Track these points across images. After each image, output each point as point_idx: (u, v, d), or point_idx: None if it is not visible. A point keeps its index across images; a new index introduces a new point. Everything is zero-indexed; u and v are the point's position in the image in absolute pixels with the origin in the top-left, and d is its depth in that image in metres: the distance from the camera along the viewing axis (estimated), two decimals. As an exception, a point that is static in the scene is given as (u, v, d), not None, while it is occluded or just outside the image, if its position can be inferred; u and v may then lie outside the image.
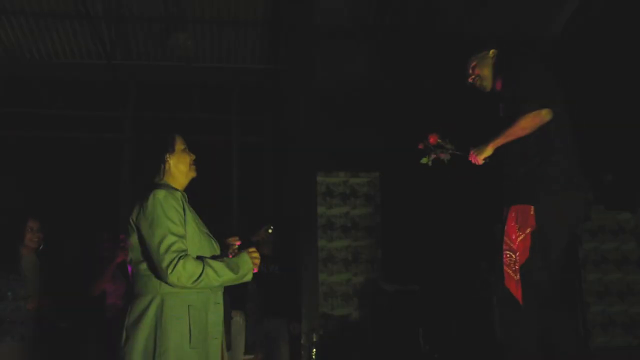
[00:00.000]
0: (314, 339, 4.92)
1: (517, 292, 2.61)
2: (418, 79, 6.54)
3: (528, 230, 2.64)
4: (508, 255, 2.64)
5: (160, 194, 2.40)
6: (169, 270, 2.25)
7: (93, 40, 6.77)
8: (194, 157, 2.71)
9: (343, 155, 6.61)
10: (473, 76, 3.45)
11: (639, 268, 6.58)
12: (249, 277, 2.46)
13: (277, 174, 7.23)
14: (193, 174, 2.69)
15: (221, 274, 2.35)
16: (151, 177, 2.57)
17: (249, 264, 2.45)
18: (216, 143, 7.48)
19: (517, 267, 2.61)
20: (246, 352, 4.98)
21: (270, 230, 5.25)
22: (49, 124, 7.14)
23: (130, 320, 2.34)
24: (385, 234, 6.77)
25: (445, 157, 3.17)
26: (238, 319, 4.88)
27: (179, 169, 2.61)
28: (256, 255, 2.50)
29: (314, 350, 4.89)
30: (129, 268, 2.47)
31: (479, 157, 3.08)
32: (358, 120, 6.67)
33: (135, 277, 2.41)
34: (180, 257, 2.28)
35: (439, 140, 3.20)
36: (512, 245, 2.63)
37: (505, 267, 2.64)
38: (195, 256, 2.37)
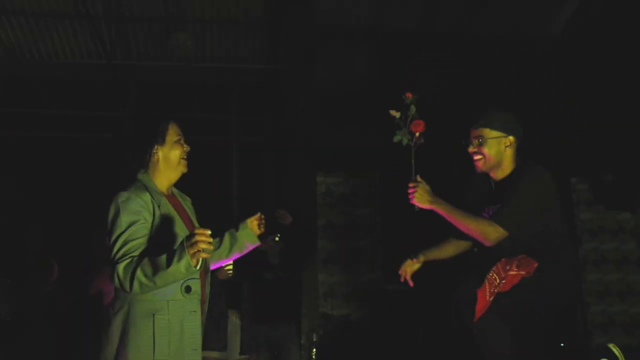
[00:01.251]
0: (314, 339, 4.92)
1: (480, 309, 2.53)
2: (418, 79, 6.54)
3: (523, 273, 2.55)
4: (493, 276, 2.57)
5: (122, 196, 2.23)
6: (113, 277, 2.10)
7: (93, 40, 6.77)
8: (187, 148, 2.43)
9: (343, 155, 6.61)
10: (475, 150, 2.78)
11: (639, 268, 6.58)
12: (190, 270, 2.05)
13: (277, 174, 7.22)
14: (183, 169, 2.41)
15: (155, 269, 2.05)
16: (132, 167, 2.35)
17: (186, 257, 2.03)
18: (216, 143, 7.48)
19: (495, 290, 2.54)
20: (242, 353, 4.96)
21: (277, 239, 5.08)
22: (49, 124, 7.14)
23: (102, 328, 2.21)
24: (385, 234, 6.76)
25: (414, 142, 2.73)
26: (234, 319, 4.86)
27: (168, 162, 2.36)
28: (199, 239, 2.01)
29: (314, 350, 4.89)
30: None
31: (416, 200, 2.67)
32: (358, 120, 6.66)
33: (112, 286, 2.26)
34: (120, 261, 2.10)
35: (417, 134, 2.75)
36: (501, 272, 2.57)
37: (486, 282, 2.56)
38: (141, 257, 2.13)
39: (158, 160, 2.35)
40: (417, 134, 2.75)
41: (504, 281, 2.52)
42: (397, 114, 2.79)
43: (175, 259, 2.02)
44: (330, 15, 6.49)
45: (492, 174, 2.85)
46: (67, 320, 4.36)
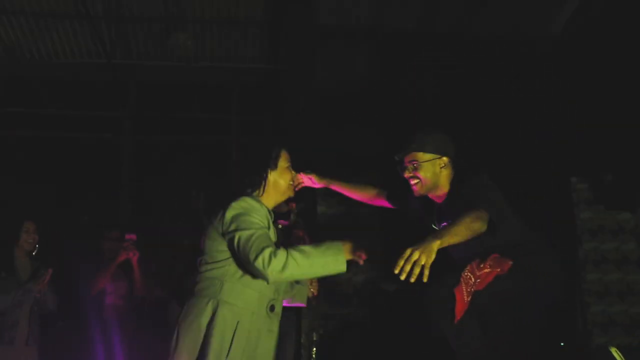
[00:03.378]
0: (314, 339, 4.93)
1: (460, 310, 2.52)
2: (418, 79, 6.54)
3: (497, 270, 2.54)
4: (468, 276, 2.57)
5: (248, 201, 2.34)
6: (257, 260, 2.17)
7: (93, 40, 6.78)
8: (295, 175, 2.60)
9: (343, 155, 6.61)
10: (411, 175, 2.76)
11: (639, 268, 6.57)
12: (342, 267, 2.28)
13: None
14: (290, 194, 2.56)
15: (309, 256, 2.21)
16: (244, 187, 2.45)
17: (341, 250, 2.28)
18: (216, 143, 7.49)
19: (471, 290, 2.53)
20: None
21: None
22: (49, 124, 7.14)
23: (184, 317, 2.30)
24: (385, 234, 6.76)
25: None
26: None
27: (277, 186, 2.50)
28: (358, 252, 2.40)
29: (314, 349, 4.89)
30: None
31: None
32: (358, 120, 6.66)
33: (199, 278, 2.36)
34: (266, 247, 2.19)
35: None
36: (476, 271, 2.56)
37: (462, 282, 2.55)
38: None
39: (268, 183, 2.48)
40: None
41: (478, 280, 2.52)
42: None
43: (331, 251, 2.25)
44: (330, 15, 6.49)
45: (431, 196, 2.86)
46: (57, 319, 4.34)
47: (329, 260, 2.27)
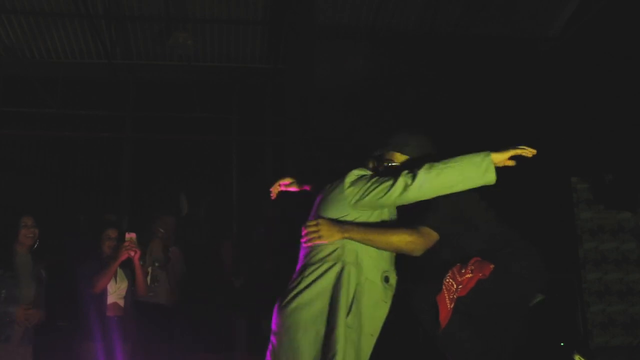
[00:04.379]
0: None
1: (444, 318, 2.51)
2: (418, 79, 6.55)
3: (479, 275, 2.53)
4: (450, 282, 2.55)
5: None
6: (393, 190, 2.38)
7: (93, 39, 6.78)
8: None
9: (343, 155, 6.61)
10: (384, 171, 2.71)
11: (639, 268, 6.58)
12: (489, 176, 2.34)
13: (276, 174, 7.22)
14: None
15: (444, 164, 2.35)
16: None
17: (487, 155, 2.36)
18: (216, 143, 7.49)
19: (454, 296, 2.52)
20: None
21: None
22: (49, 123, 7.14)
23: (305, 282, 2.43)
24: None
25: None
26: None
27: None
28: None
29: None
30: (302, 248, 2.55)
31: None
32: (358, 120, 6.66)
33: (314, 248, 2.48)
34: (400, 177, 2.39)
35: None
36: (457, 276, 2.54)
37: (444, 289, 2.53)
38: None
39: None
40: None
41: (460, 286, 2.50)
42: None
43: (472, 158, 2.33)
44: (330, 15, 6.50)
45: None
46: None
47: (467, 166, 2.34)
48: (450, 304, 2.51)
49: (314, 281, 2.42)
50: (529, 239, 2.71)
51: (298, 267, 2.56)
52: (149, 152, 7.37)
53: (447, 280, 2.54)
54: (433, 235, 2.51)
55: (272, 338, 2.46)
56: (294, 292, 2.44)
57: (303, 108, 5.41)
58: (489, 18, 6.59)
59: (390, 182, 2.41)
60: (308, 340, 2.36)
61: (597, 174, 6.46)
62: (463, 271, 2.53)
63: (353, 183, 2.51)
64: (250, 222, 6.96)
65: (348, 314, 2.35)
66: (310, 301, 2.40)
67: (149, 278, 4.66)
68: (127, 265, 4.26)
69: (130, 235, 4.07)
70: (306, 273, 2.46)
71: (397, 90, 6.78)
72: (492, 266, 2.52)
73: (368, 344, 2.44)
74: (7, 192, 6.79)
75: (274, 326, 2.49)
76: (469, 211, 2.61)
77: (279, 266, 5.42)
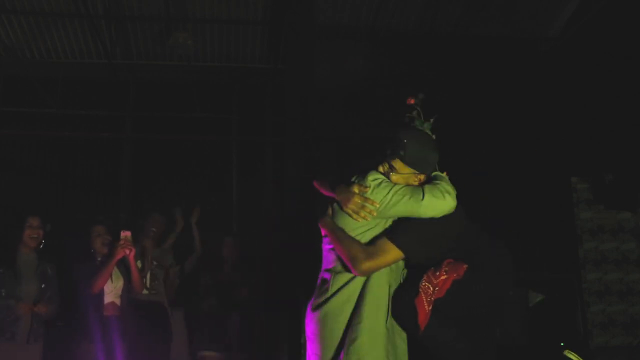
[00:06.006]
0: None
1: (423, 320, 2.58)
2: (418, 79, 6.54)
3: (454, 275, 2.60)
4: (426, 285, 2.61)
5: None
6: (428, 205, 2.52)
7: (93, 39, 6.78)
8: None
9: (343, 155, 6.61)
10: (386, 171, 2.72)
11: (639, 268, 6.58)
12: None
13: (276, 174, 7.22)
14: None
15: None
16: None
17: None
18: (216, 143, 7.49)
19: (431, 299, 2.58)
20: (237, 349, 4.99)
21: None
22: (49, 123, 7.14)
23: (331, 291, 2.59)
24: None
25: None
26: None
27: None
28: None
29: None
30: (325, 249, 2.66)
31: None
32: (358, 120, 6.67)
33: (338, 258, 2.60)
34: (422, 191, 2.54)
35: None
36: (432, 279, 2.60)
37: (421, 293, 2.59)
38: None
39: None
40: None
41: (437, 288, 2.56)
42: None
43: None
44: (330, 15, 6.50)
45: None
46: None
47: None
48: (429, 307, 2.57)
49: (340, 288, 2.57)
50: (529, 239, 2.74)
51: (323, 269, 2.70)
52: (149, 152, 7.36)
53: (424, 284, 2.60)
54: (392, 255, 2.56)
55: (309, 344, 2.69)
56: (324, 297, 2.62)
57: (303, 108, 5.40)
58: (489, 18, 6.59)
59: (421, 194, 2.53)
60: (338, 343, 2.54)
61: (597, 174, 6.47)
62: (437, 273, 2.59)
63: (375, 190, 2.60)
64: (250, 222, 6.97)
65: (387, 319, 2.52)
66: (339, 308, 2.56)
67: (148, 277, 4.66)
68: (122, 264, 4.26)
69: (125, 234, 4.08)
70: (334, 279, 2.60)
71: (397, 90, 6.77)
72: (465, 266, 2.58)
73: (401, 348, 2.63)
74: (7, 192, 6.79)
75: (308, 332, 2.72)
76: (445, 237, 2.65)
77: (279, 266, 5.42)
